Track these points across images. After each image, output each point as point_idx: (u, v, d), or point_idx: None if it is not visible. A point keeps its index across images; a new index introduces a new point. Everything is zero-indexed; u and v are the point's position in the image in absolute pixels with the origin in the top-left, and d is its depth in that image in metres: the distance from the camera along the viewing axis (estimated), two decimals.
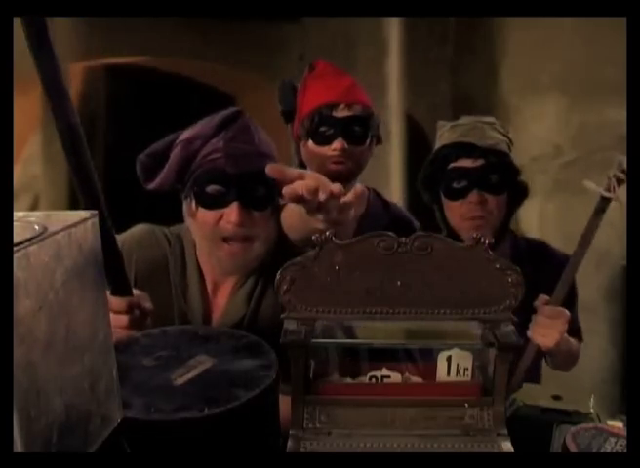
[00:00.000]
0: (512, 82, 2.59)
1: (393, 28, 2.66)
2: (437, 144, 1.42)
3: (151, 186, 1.15)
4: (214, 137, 1.11)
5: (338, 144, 1.40)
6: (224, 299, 1.20)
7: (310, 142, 1.44)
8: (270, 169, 0.97)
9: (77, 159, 0.88)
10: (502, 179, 1.34)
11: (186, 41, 2.51)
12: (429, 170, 1.40)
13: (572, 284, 1.31)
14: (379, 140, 1.51)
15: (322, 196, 0.91)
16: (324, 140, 1.42)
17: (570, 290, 1.27)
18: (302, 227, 1.00)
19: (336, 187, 0.94)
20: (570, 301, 1.35)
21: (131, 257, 1.13)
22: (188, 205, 1.15)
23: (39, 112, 2.37)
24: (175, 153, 1.12)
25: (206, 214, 1.12)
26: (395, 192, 2.58)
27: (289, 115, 1.50)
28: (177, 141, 1.13)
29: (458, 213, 1.36)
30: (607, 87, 2.30)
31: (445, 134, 1.40)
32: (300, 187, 0.92)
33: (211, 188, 1.10)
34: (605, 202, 1.16)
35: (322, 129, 1.42)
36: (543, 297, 1.24)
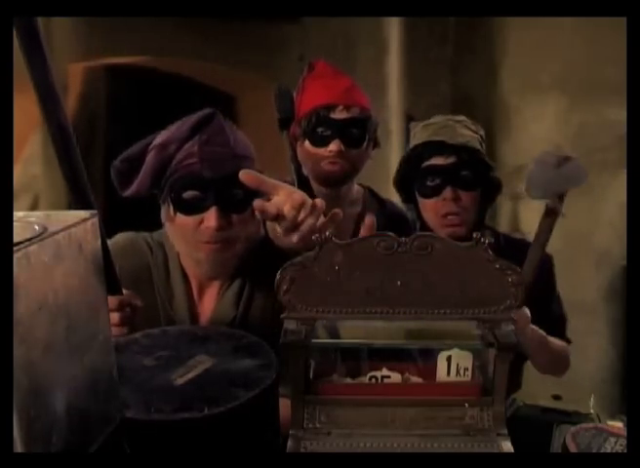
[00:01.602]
0: (512, 82, 2.59)
1: (393, 28, 2.66)
2: (410, 144, 1.44)
3: (128, 193, 1.12)
4: (188, 141, 1.08)
5: (334, 146, 1.40)
6: (212, 303, 1.19)
7: (307, 143, 1.44)
8: (244, 176, 0.96)
9: (68, 160, 0.89)
10: (475, 176, 1.36)
11: (186, 41, 2.50)
12: (403, 169, 1.42)
13: (548, 281, 1.31)
14: (376, 144, 1.50)
15: (302, 215, 0.91)
16: (321, 141, 1.41)
17: (545, 285, 1.26)
18: (279, 242, 0.99)
19: (319, 202, 0.93)
20: (547, 297, 1.34)
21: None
22: (166, 210, 1.14)
23: (39, 112, 2.36)
24: (149, 158, 1.10)
25: (185, 220, 1.10)
26: (395, 191, 2.58)
27: (285, 122, 1.47)
28: (151, 146, 1.11)
29: (433, 210, 1.38)
30: (607, 87, 2.30)
31: (417, 133, 1.42)
32: (273, 207, 0.91)
33: (188, 194, 1.08)
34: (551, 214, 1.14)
35: (319, 130, 1.41)
36: None
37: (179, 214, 1.11)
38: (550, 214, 1.11)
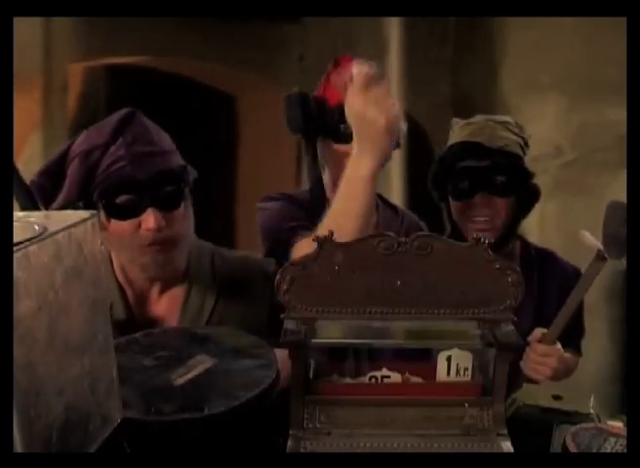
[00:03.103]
0: (512, 82, 2.59)
1: (393, 28, 2.66)
2: (449, 142, 1.40)
3: (54, 207, 1.06)
4: (112, 145, 1.04)
5: None
6: (162, 311, 1.14)
7: (330, 141, 1.41)
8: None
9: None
10: (510, 181, 1.31)
11: (187, 41, 2.51)
12: (438, 168, 1.38)
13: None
14: (397, 144, 1.48)
15: None
16: (345, 138, 1.39)
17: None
18: None
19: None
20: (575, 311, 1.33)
21: None
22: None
23: (39, 112, 2.37)
24: (73, 168, 1.05)
25: (121, 225, 1.06)
26: (395, 191, 2.58)
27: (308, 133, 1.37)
28: (71, 155, 1.06)
29: (463, 213, 1.34)
30: (607, 87, 2.30)
31: (456, 131, 1.38)
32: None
33: (122, 199, 1.04)
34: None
35: (343, 126, 1.38)
36: (538, 332, 1.20)
37: (113, 220, 1.06)
38: (600, 260, 1.11)
